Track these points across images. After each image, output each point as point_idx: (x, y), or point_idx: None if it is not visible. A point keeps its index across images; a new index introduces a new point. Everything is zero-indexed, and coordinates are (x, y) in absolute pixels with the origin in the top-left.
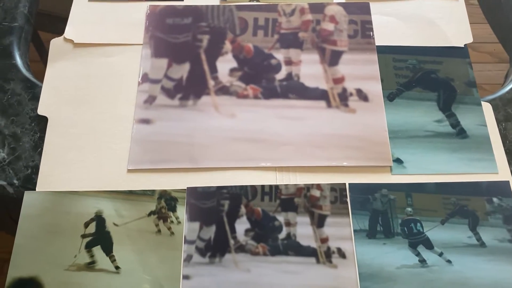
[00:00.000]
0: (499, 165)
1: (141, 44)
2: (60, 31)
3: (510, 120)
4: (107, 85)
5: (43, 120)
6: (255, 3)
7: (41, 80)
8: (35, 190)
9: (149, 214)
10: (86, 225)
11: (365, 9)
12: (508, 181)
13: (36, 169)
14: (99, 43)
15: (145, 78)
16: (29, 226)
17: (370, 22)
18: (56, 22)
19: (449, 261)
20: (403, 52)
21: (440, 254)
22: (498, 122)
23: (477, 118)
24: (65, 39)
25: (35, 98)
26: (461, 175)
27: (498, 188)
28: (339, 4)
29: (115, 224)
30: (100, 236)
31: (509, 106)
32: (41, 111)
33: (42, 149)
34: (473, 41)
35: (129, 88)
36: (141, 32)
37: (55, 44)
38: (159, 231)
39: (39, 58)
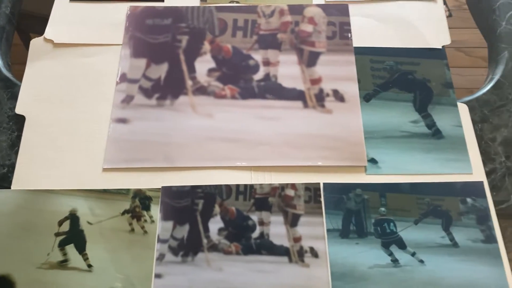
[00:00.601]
0: (474, 166)
1: (121, 45)
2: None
3: (486, 121)
4: (86, 85)
5: (21, 119)
6: (235, 4)
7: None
8: (10, 188)
9: (123, 213)
10: (60, 223)
11: (344, 11)
12: (482, 182)
13: (12, 167)
14: (79, 43)
15: (123, 78)
16: (3, 224)
17: (348, 24)
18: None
19: (421, 261)
20: (381, 53)
21: (413, 254)
22: (475, 123)
23: (453, 119)
24: (45, 39)
25: (14, 97)
26: (436, 175)
27: (472, 188)
28: (318, 5)
29: (89, 223)
30: (73, 235)
31: (485, 107)
32: (19, 110)
33: (19, 147)
34: (467, 45)
35: (108, 88)
36: (121, 33)
37: (35, 44)
38: (132, 230)
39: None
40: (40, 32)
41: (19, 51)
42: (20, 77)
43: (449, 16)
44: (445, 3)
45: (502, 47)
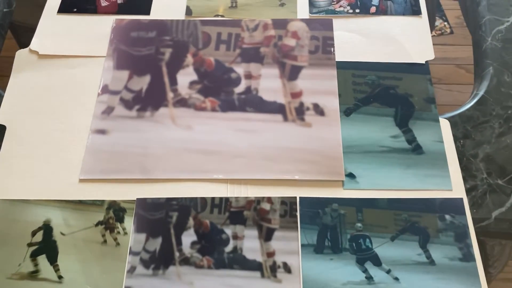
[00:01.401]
0: (454, 182)
1: (105, 57)
2: None
3: (468, 137)
4: (68, 96)
5: (2, 129)
6: (219, 18)
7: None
8: None
9: (97, 224)
10: (33, 233)
11: (328, 26)
12: (462, 198)
13: None
14: (64, 55)
15: (105, 90)
16: None
17: (332, 38)
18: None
19: (396, 279)
20: (363, 68)
21: (388, 271)
22: (456, 139)
23: (434, 134)
24: (30, 50)
25: None
26: (415, 191)
27: (451, 205)
28: (302, 20)
29: (62, 233)
30: (46, 245)
31: (468, 123)
32: (0, 120)
33: None
34: (467, 62)
35: (89, 99)
36: (106, 45)
37: (20, 55)
38: (105, 241)
39: None
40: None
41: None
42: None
43: (451, 33)
44: (446, 20)
45: (487, 63)
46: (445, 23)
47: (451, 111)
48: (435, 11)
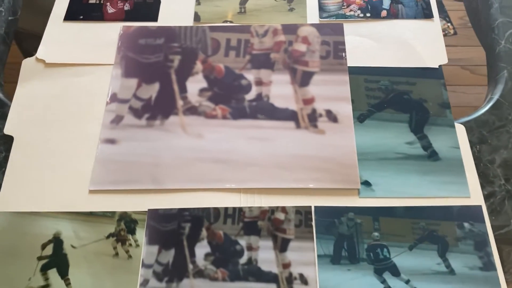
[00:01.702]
0: (471, 189)
1: (113, 64)
2: None
3: (484, 142)
4: (76, 105)
5: (10, 140)
6: (228, 24)
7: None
8: None
9: (108, 237)
10: (43, 246)
11: (339, 30)
12: (480, 206)
13: None
14: (71, 63)
15: (113, 98)
16: None
17: (343, 43)
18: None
19: None
20: (376, 73)
21: (407, 282)
22: (472, 144)
23: (450, 140)
24: (37, 59)
25: (3, 117)
26: (432, 198)
27: (469, 212)
28: (312, 25)
29: (72, 246)
30: (56, 258)
31: (483, 128)
32: (7, 130)
33: (6, 168)
34: (472, 63)
35: (98, 108)
36: (113, 53)
37: (27, 64)
38: (116, 254)
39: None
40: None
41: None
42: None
43: (454, 34)
44: (450, 21)
45: (501, 66)
46: (449, 24)
47: (466, 115)
48: (439, 12)
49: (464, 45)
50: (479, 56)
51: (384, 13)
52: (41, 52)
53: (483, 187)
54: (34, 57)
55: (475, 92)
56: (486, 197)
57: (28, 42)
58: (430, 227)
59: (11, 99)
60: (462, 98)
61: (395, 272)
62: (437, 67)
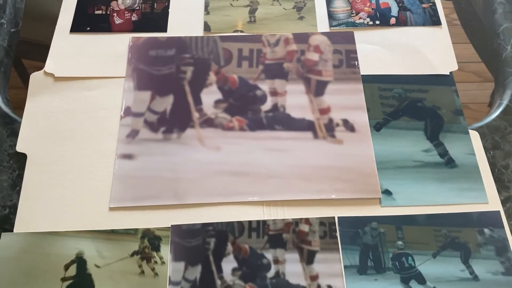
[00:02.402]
0: (489, 195)
1: (124, 77)
2: (43, 59)
3: (498, 148)
4: (89, 120)
5: (22, 157)
6: (239, 33)
7: (21, 111)
8: (12, 231)
9: (132, 255)
10: (67, 267)
11: (350, 38)
12: (499, 211)
13: (14, 208)
14: (81, 76)
15: (127, 112)
16: (6, 270)
17: (355, 51)
18: (40, 50)
19: None
20: (389, 81)
21: None
22: (486, 150)
23: (465, 146)
24: (45, 73)
25: (14, 134)
26: (451, 205)
27: (489, 218)
28: (323, 33)
29: (96, 266)
30: (81, 279)
31: (496, 133)
32: (20, 148)
33: (20, 187)
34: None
35: (112, 122)
36: (123, 65)
37: (35, 78)
38: (142, 272)
39: (21, 85)
40: (33, 58)
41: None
42: (13, 101)
43: None
44: None
45: (509, 71)
46: None
47: (478, 121)
48: None
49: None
50: (466, 53)
51: (393, 20)
52: (49, 66)
53: (499, 192)
54: (42, 71)
55: (463, 89)
56: (503, 202)
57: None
58: (452, 234)
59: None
60: None
61: (421, 280)
62: (448, 74)
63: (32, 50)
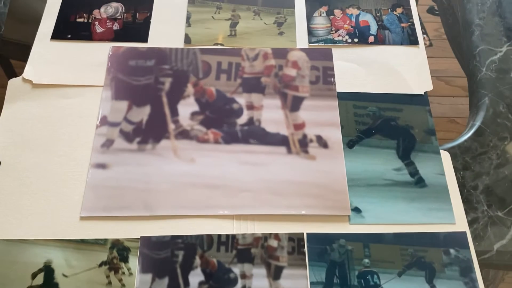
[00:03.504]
0: (457, 216)
1: (102, 86)
2: None
3: (468, 168)
4: (65, 128)
5: None
6: (219, 47)
7: None
8: None
9: (100, 265)
10: (34, 276)
11: (328, 55)
12: (465, 232)
13: None
14: (59, 84)
15: (103, 121)
16: None
17: (332, 69)
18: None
19: None
20: (364, 99)
21: None
22: (457, 170)
23: (436, 166)
24: (23, 79)
25: None
26: (419, 225)
27: (455, 239)
28: (302, 49)
29: (64, 275)
30: None
31: (467, 154)
32: None
33: None
34: (446, 75)
35: (87, 131)
36: (103, 74)
37: (13, 84)
38: (109, 283)
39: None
40: (20, 59)
41: None
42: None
43: (430, 45)
44: (425, 33)
45: (482, 93)
46: (424, 35)
47: (450, 141)
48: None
49: (439, 56)
50: (453, 68)
51: (371, 38)
52: (28, 72)
53: (467, 213)
54: (20, 77)
55: (450, 103)
56: (470, 223)
57: (6, 49)
58: (418, 254)
59: None
60: (437, 108)
61: None
62: (423, 93)
63: (20, 51)
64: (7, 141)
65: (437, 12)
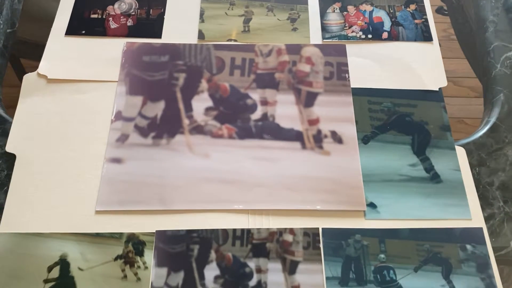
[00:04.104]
0: (472, 211)
1: (116, 81)
2: (40, 59)
3: (483, 164)
4: (80, 123)
5: (12, 158)
6: (232, 42)
7: (15, 110)
8: None
9: (116, 259)
10: (50, 269)
11: (342, 51)
12: (481, 228)
13: (0, 209)
14: (74, 79)
15: (118, 116)
16: None
17: (346, 64)
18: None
19: None
20: (378, 95)
21: None
22: (472, 166)
23: (451, 162)
24: (38, 74)
25: (5, 134)
26: (435, 220)
27: (471, 234)
28: (315, 45)
29: (80, 269)
30: (63, 281)
31: (482, 150)
32: (9, 148)
33: (8, 187)
34: (455, 75)
35: (102, 126)
36: (117, 69)
37: (28, 79)
38: (125, 276)
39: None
40: (30, 57)
41: (8, 73)
42: (9, 100)
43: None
44: None
45: (497, 89)
46: None
47: (465, 137)
48: None
49: (447, 57)
50: (462, 68)
51: (385, 35)
52: (43, 67)
53: (483, 209)
54: (35, 72)
55: (458, 104)
56: (486, 219)
57: (17, 48)
58: (434, 249)
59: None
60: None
61: None
62: (437, 89)
63: (30, 50)
64: (23, 135)
65: (446, 12)
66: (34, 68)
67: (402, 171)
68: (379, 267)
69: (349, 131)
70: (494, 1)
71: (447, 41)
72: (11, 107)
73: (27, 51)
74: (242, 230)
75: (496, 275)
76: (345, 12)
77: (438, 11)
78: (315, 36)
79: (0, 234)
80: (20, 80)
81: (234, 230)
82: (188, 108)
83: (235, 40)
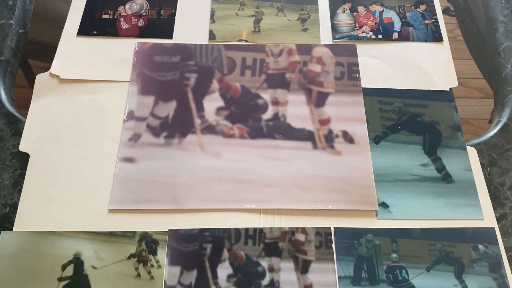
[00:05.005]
0: (484, 211)
1: (128, 81)
2: (49, 60)
3: (495, 165)
4: (92, 122)
5: (25, 157)
6: (243, 43)
7: (25, 110)
8: (12, 229)
9: (129, 257)
10: (64, 267)
11: (352, 51)
12: (494, 228)
13: (14, 207)
14: (86, 79)
15: (130, 116)
16: (4, 268)
17: (356, 64)
18: (46, 51)
19: None
20: (389, 95)
21: None
22: (483, 167)
23: (462, 162)
24: (51, 74)
25: (18, 133)
26: (447, 220)
27: (483, 234)
28: (326, 46)
29: (93, 267)
30: (77, 280)
31: (493, 150)
32: (23, 147)
33: (22, 186)
34: (460, 76)
35: (114, 125)
36: (128, 69)
37: (41, 79)
38: (138, 275)
39: (26, 84)
40: (38, 58)
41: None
42: (17, 101)
43: None
44: None
45: (508, 90)
46: None
47: (476, 138)
48: None
49: (454, 58)
50: (468, 69)
51: (395, 35)
52: (55, 67)
53: (494, 209)
54: (48, 72)
55: (465, 105)
56: (498, 219)
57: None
58: (446, 249)
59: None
60: None
61: None
62: (448, 90)
63: (38, 51)
64: (36, 135)
65: (453, 13)
66: (41, 68)
67: (414, 171)
68: (391, 266)
69: (361, 131)
70: (504, 1)
71: (453, 42)
72: (20, 108)
73: (34, 52)
74: (255, 229)
75: (509, 274)
76: (355, 13)
77: (445, 12)
78: (326, 36)
79: (14, 232)
80: (28, 80)
81: (247, 229)
82: (200, 108)
83: (246, 41)
